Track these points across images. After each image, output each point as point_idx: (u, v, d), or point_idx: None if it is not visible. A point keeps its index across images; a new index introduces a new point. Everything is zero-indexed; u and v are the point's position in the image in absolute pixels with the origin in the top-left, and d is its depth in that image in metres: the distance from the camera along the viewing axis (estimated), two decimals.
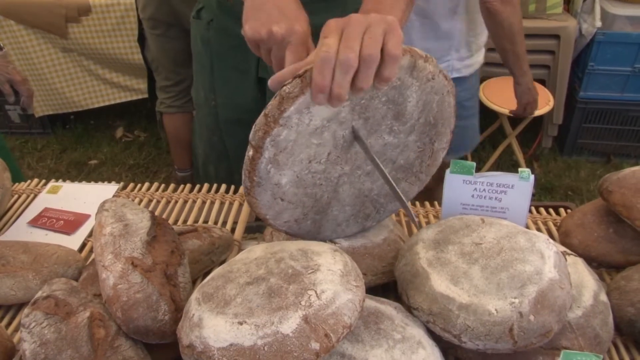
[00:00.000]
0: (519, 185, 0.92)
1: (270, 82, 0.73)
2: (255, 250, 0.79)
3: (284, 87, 0.71)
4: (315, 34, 1.17)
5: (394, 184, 0.81)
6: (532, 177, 0.92)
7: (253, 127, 0.73)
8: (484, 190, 0.94)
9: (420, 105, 0.81)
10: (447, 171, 0.92)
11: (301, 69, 0.71)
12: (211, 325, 0.67)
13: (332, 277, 0.70)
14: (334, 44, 0.66)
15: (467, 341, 0.75)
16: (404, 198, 0.82)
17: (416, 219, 0.80)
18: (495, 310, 0.73)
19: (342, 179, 0.84)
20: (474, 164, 0.93)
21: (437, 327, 0.77)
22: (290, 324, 0.64)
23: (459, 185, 0.94)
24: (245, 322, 0.65)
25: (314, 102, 0.68)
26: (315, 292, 0.68)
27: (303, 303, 0.66)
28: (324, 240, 0.92)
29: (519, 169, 0.93)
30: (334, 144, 0.78)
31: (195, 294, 0.74)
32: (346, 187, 0.86)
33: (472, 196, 0.94)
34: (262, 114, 0.72)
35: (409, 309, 0.82)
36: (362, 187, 0.88)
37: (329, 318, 0.66)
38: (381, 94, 0.76)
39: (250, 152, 0.75)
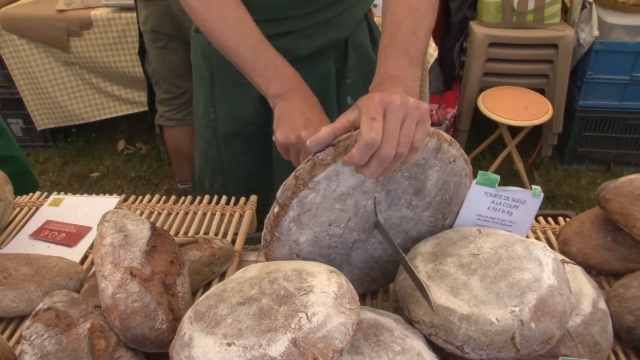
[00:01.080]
0: (530, 201, 0.93)
1: (309, 142, 0.77)
2: (251, 270, 0.78)
3: (318, 154, 0.76)
4: (317, 54, 1.19)
5: (418, 277, 0.82)
6: (542, 195, 0.93)
7: (282, 186, 0.78)
8: (501, 203, 0.94)
9: (439, 185, 0.86)
10: (474, 182, 0.93)
11: (337, 130, 0.77)
12: (201, 345, 0.66)
13: (325, 300, 0.69)
14: (380, 130, 0.72)
15: (470, 352, 0.75)
16: (426, 289, 0.82)
17: (433, 303, 0.81)
18: (496, 319, 0.73)
19: (356, 244, 0.88)
20: (498, 177, 0.93)
21: (440, 339, 0.77)
22: (278, 347, 0.63)
23: (480, 197, 0.94)
24: (234, 343, 0.64)
25: (344, 164, 0.75)
26: (306, 314, 0.66)
27: (293, 325, 0.65)
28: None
29: (532, 186, 0.93)
30: (354, 212, 0.82)
31: (189, 313, 0.74)
32: (359, 252, 0.89)
33: (489, 208, 0.95)
34: (293, 175, 0.77)
35: (411, 323, 0.81)
36: (374, 254, 0.91)
37: (318, 342, 0.65)
38: (404, 169, 0.82)
39: (275, 209, 0.80)
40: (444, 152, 0.83)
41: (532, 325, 0.73)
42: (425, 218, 0.91)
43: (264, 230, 0.82)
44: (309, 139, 0.76)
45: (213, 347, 0.65)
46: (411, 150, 0.75)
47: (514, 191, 0.93)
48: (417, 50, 0.92)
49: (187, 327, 0.71)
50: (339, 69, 1.25)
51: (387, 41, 0.93)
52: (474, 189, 0.93)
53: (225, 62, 1.25)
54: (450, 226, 0.96)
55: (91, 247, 1.15)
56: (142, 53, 2.51)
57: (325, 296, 0.69)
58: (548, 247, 0.84)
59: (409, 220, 0.89)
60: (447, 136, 0.83)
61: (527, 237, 0.93)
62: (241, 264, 1.09)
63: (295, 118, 0.94)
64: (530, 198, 0.93)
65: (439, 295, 0.79)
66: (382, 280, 0.98)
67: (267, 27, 1.14)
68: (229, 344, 0.65)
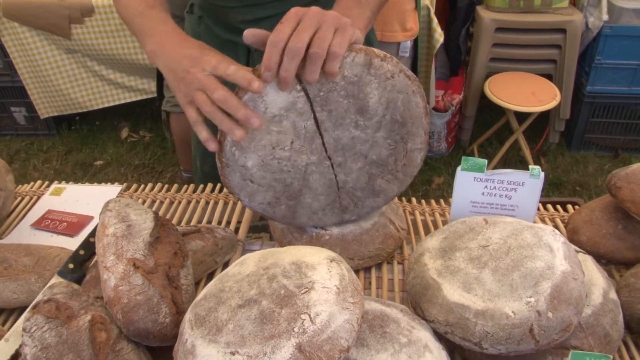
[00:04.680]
0: (530, 182, 0.91)
1: (246, 32, 0.78)
2: (248, 264, 0.76)
3: None
4: None
5: None
6: (542, 174, 0.91)
7: None
8: (495, 187, 0.92)
9: (383, 103, 0.86)
10: (458, 168, 0.91)
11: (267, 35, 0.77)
12: (204, 354, 0.65)
13: (327, 296, 0.67)
14: (287, 31, 0.74)
15: (489, 347, 0.73)
16: None
17: None
18: (513, 312, 0.72)
19: (310, 167, 0.90)
20: (486, 161, 0.91)
21: (456, 337, 0.76)
22: (283, 354, 0.62)
23: (470, 183, 0.92)
24: (238, 352, 0.63)
25: (263, 79, 0.76)
26: (309, 315, 0.65)
27: (296, 330, 0.63)
28: (302, 226, 1.01)
29: (530, 167, 0.91)
30: (295, 134, 0.85)
31: (188, 315, 0.72)
32: (316, 176, 0.91)
33: (483, 194, 0.93)
34: None
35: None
36: (334, 178, 0.93)
37: (324, 344, 0.63)
38: (339, 88, 0.82)
39: (218, 134, 0.84)
40: (377, 67, 0.82)
41: (550, 314, 0.71)
42: (381, 140, 0.91)
43: (216, 158, 0.87)
44: (246, 30, 0.77)
45: (217, 356, 0.64)
46: (330, 56, 0.74)
47: (507, 173, 0.91)
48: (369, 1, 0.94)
49: (188, 332, 0.69)
50: None
51: None
52: (460, 175, 0.92)
53: (213, 43, 1.24)
54: (417, 151, 0.95)
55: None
56: None
57: (327, 292, 0.67)
58: (557, 231, 0.82)
59: (362, 141, 0.90)
60: (380, 52, 0.82)
61: (535, 222, 0.91)
62: (245, 253, 1.08)
63: (180, 64, 0.84)
64: (529, 179, 0.91)
65: (452, 292, 0.77)
66: (355, 209, 0.99)
67: (248, 12, 1.13)
68: (232, 353, 0.63)
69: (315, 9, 0.76)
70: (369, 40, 1.30)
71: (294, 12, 0.76)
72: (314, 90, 0.81)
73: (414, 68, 2.68)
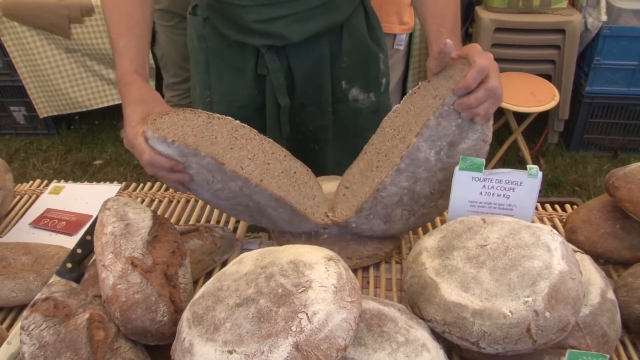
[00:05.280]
0: (528, 182, 0.91)
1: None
2: (246, 263, 0.76)
3: None
4: (312, 39, 1.17)
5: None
6: (540, 173, 0.91)
7: None
8: (493, 187, 0.92)
9: (466, 155, 0.92)
10: (457, 168, 0.91)
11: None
12: (201, 353, 0.65)
13: (325, 295, 0.67)
14: (497, 83, 0.87)
15: (486, 347, 0.73)
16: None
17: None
18: (510, 312, 0.72)
19: (245, 190, 0.91)
20: (484, 160, 0.91)
21: (454, 336, 0.76)
22: (280, 352, 0.62)
23: (468, 183, 0.92)
24: (235, 350, 0.63)
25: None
26: (307, 314, 0.65)
27: (294, 329, 0.63)
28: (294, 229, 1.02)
29: (528, 166, 0.91)
30: (208, 169, 0.88)
31: (186, 313, 0.72)
32: (257, 196, 0.91)
33: (481, 193, 0.93)
34: None
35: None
36: (273, 193, 0.91)
37: (321, 343, 0.63)
38: (459, 116, 0.89)
39: None
40: (488, 127, 0.92)
41: (547, 314, 0.71)
42: (435, 180, 0.94)
43: None
44: (450, 42, 0.89)
45: (214, 355, 0.64)
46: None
47: (505, 173, 0.91)
48: (458, 29, 1.07)
49: (186, 331, 0.69)
50: (333, 53, 1.23)
51: (438, 20, 1.05)
52: (458, 174, 0.92)
53: (220, 45, 1.24)
54: (442, 211, 0.99)
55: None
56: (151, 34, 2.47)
57: (324, 291, 0.67)
58: (555, 231, 0.82)
59: (428, 169, 0.92)
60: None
61: (533, 222, 0.91)
62: (243, 252, 1.08)
63: (124, 116, 0.93)
64: (527, 178, 0.91)
65: (449, 291, 0.77)
66: (363, 219, 0.99)
67: (262, 11, 1.12)
68: (230, 352, 0.63)
69: (494, 63, 0.88)
70: (377, 38, 1.29)
71: (485, 63, 0.86)
72: (452, 99, 0.88)
73: (407, 62, 2.70)
